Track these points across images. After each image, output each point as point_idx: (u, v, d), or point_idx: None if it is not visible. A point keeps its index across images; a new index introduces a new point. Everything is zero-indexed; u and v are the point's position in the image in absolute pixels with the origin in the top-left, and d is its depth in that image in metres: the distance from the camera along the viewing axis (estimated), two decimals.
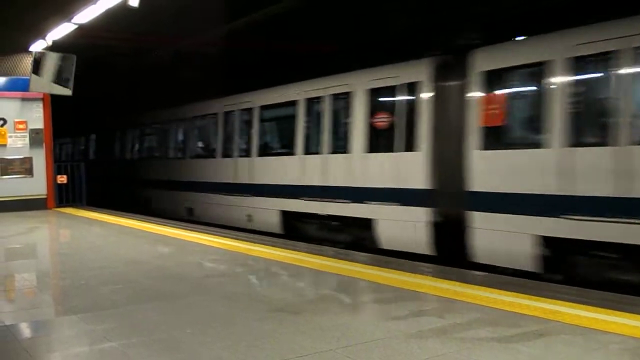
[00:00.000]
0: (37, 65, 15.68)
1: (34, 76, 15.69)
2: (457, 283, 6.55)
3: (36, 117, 16.61)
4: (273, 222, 13.81)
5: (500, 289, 6.21)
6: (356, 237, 11.85)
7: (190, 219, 16.51)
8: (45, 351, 4.90)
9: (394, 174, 10.84)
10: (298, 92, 13.32)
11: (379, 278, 6.96)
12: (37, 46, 16.23)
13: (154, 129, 20.48)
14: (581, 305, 5.47)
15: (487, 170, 9.30)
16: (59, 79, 15.94)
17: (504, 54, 9.35)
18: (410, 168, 10.51)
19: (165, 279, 7.36)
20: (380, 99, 11.38)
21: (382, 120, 11.19)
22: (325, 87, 12.56)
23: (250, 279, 7.61)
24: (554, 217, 8.32)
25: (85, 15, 13.13)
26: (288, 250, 9.05)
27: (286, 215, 13.56)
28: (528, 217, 8.68)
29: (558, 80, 8.43)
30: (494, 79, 9.33)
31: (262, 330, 5.03)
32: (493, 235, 9.16)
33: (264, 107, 14.56)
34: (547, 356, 4.32)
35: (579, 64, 8.22)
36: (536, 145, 8.66)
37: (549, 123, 8.46)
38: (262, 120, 14.64)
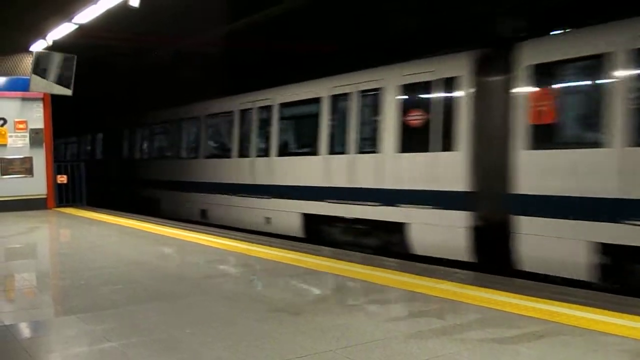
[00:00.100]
0: (38, 65, 15.70)
1: (34, 76, 15.72)
2: (456, 284, 6.55)
3: (36, 117, 16.62)
4: (293, 225, 13.16)
5: (500, 290, 6.21)
6: (385, 242, 11.19)
7: (203, 221, 15.92)
8: (44, 351, 4.90)
9: (429, 175, 10.16)
10: (323, 89, 12.60)
11: (379, 279, 6.96)
12: (38, 46, 16.24)
13: (163, 128, 19.73)
14: (581, 307, 5.47)
15: (536, 171, 8.61)
16: (60, 79, 15.97)
17: (557, 46, 8.66)
18: (448, 169, 9.86)
19: (165, 279, 7.36)
20: (414, 95, 10.63)
21: (416, 118, 10.47)
22: (352, 83, 11.86)
23: (250, 280, 7.61)
24: (615, 222, 7.65)
25: (86, 15, 13.13)
26: (287, 251, 9.05)
27: (308, 218, 12.90)
28: (584, 222, 7.99)
29: (620, 74, 7.74)
30: (544, 73, 8.65)
31: (262, 330, 5.03)
32: (542, 242, 8.46)
33: (284, 105, 13.84)
34: (547, 357, 4.32)
35: None
36: (594, 144, 8.00)
37: (609, 120, 7.79)
38: (283, 118, 13.92)
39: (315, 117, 12.68)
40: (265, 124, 14.32)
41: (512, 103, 8.98)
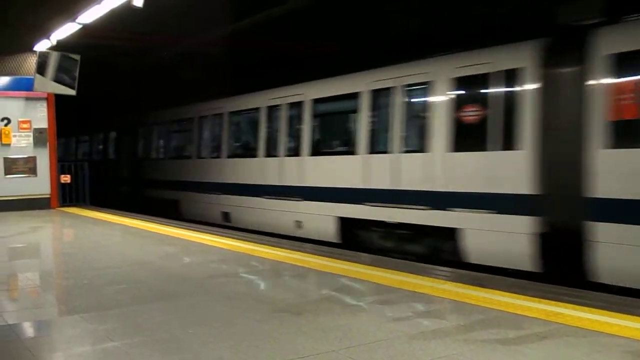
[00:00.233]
0: (42, 64, 15.73)
1: (38, 76, 15.75)
2: (459, 284, 6.54)
3: (40, 116, 16.65)
4: (328, 229, 12.24)
5: (503, 290, 6.20)
6: (433, 249, 10.40)
7: (226, 224, 15.20)
8: (48, 350, 4.91)
9: (487, 176, 9.30)
10: (361, 83, 11.68)
11: (381, 279, 6.95)
12: (42, 46, 16.26)
13: (182, 127, 18.63)
14: (584, 308, 5.46)
15: (616, 172, 7.79)
16: (63, 79, 16.00)
17: None
18: (510, 170, 9.03)
19: (169, 279, 7.37)
20: (469, 89, 9.77)
21: (471, 114, 9.60)
22: (396, 77, 10.92)
23: (253, 280, 7.61)
24: None
25: (90, 15, 13.14)
26: (291, 251, 9.05)
27: (344, 222, 12.01)
28: None
29: None
30: (627, 63, 7.78)
31: (263, 330, 5.03)
32: (626, 252, 7.61)
33: (318, 101, 12.88)
34: (550, 358, 4.31)
35: None
36: None
37: None
38: (316, 115, 12.93)
39: (353, 114, 11.91)
40: (296, 121, 13.41)
41: (586, 97, 8.18)
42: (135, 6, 11.32)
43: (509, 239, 9.01)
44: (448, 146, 9.88)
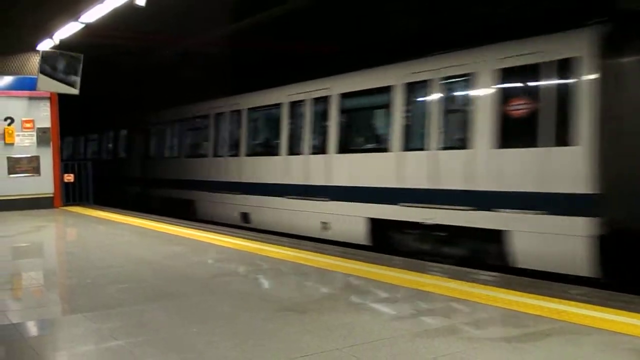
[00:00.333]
0: (45, 64, 15.76)
1: (41, 75, 15.78)
2: (463, 282, 6.53)
3: (43, 116, 16.67)
4: (357, 231, 11.57)
5: (508, 288, 6.19)
6: (475, 252, 9.74)
7: (244, 225, 14.55)
8: (51, 349, 4.92)
9: (538, 174, 8.62)
10: (395, 76, 10.99)
11: (385, 277, 6.94)
12: (45, 45, 16.27)
13: (196, 124, 17.92)
14: (589, 305, 5.44)
15: None
16: (66, 78, 16.02)
17: None
18: (565, 167, 8.39)
19: (173, 278, 7.37)
20: (517, 81, 9.18)
21: (519, 107, 8.96)
22: (434, 69, 10.28)
23: (258, 279, 7.61)
24: None
25: (92, 15, 13.14)
26: (296, 250, 9.04)
27: (375, 224, 11.33)
28: None
29: None
30: None
31: (268, 329, 5.03)
32: None
33: (345, 95, 12.20)
34: (555, 356, 4.29)
35: None
36: None
37: None
38: (343, 110, 12.23)
39: (384, 109, 11.22)
40: (321, 117, 12.74)
41: None
42: (138, 5, 11.30)
43: (563, 242, 8.37)
44: (493, 142, 9.23)
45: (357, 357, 4.28)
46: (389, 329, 4.96)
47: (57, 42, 15.68)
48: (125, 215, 15.12)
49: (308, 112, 13.10)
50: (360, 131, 12.64)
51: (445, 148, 9.96)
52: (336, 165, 12.21)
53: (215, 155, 16.49)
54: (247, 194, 14.88)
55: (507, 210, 9.01)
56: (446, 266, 7.76)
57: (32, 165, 16.54)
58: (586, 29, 8.50)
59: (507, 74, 9.19)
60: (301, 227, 12.93)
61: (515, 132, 9.08)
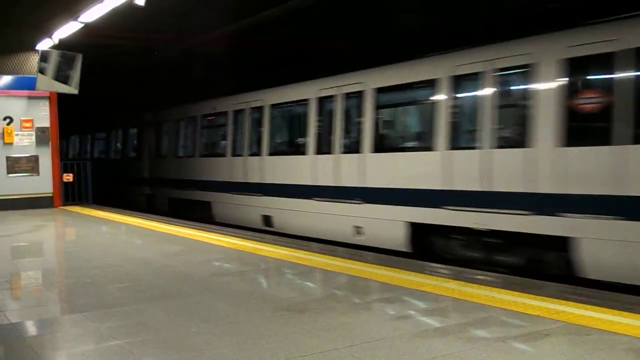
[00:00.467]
0: (44, 63, 15.76)
1: (40, 75, 15.79)
2: (462, 283, 6.53)
3: (42, 115, 16.68)
4: (395, 236, 10.71)
5: (506, 288, 6.20)
6: (534, 261, 8.89)
7: (266, 229, 13.75)
8: (51, 349, 4.92)
9: (613, 175, 7.72)
10: (440, 69, 10.15)
11: (384, 277, 6.95)
12: (44, 45, 16.29)
13: (212, 122, 17.02)
14: (587, 306, 5.45)
15: None
16: (66, 78, 16.03)
17: None
18: None
19: (172, 278, 7.37)
20: (589, 72, 8.34)
21: (590, 101, 8.08)
22: (486, 60, 9.37)
23: (257, 278, 7.62)
24: None
25: (92, 14, 13.15)
26: (296, 250, 9.05)
27: (416, 229, 10.46)
28: None
29: None
30: None
31: (267, 329, 5.03)
32: None
33: (382, 90, 11.27)
34: (553, 356, 4.30)
35: None
36: None
37: None
38: (379, 106, 11.35)
39: (428, 104, 10.43)
40: (354, 113, 11.89)
41: None
42: (137, 4, 11.31)
43: None
44: (557, 140, 8.34)
45: (356, 357, 4.28)
46: (388, 329, 4.97)
47: (56, 41, 15.71)
48: (124, 214, 15.12)
49: (339, 109, 12.24)
50: (400, 128, 11.82)
51: (500, 147, 9.11)
52: (371, 165, 11.34)
53: (234, 154, 15.57)
54: (269, 195, 14.05)
55: (575, 215, 8.12)
56: (444, 266, 7.76)
57: (31, 165, 16.56)
58: None
59: (575, 64, 8.27)
60: (331, 232, 12.17)
61: (584, 129, 8.19)
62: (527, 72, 8.83)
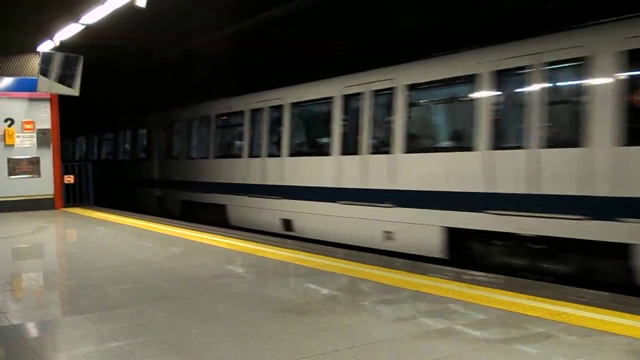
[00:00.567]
0: (45, 65, 15.77)
1: (41, 76, 15.80)
2: (463, 284, 6.53)
3: (44, 117, 16.70)
4: (430, 242, 10.14)
5: (506, 290, 6.20)
6: (587, 269, 8.33)
7: (286, 233, 13.31)
8: (52, 351, 4.92)
9: None
10: (478, 64, 9.58)
11: (385, 279, 6.95)
12: (45, 46, 16.29)
13: (227, 122, 16.44)
14: (588, 307, 5.45)
15: None
16: (67, 79, 16.04)
17: None
18: None
19: (173, 279, 7.37)
20: None
21: None
22: (533, 53, 8.76)
23: (257, 280, 7.62)
24: None
25: (93, 16, 13.15)
26: (295, 251, 9.05)
27: (454, 234, 9.88)
28: None
29: None
30: None
31: (268, 330, 5.03)
32: None
33: (414, 87, 10.72)
34: (554, 357, 4.30)
35: None
36: None
37: None
38: (413, 103, 10.75)
39: (465, 102, 9.95)
40: (384, 112, 11.29)
41: None
42: (137, 6, 11.31)
43: None
44: (616, 139, 7.77)
45: (356, 359, 4.28)
46: (389, 330, 4.97)
47: (57, 43, 15.72)
48: (125, 216, 15.13)
49: (367, 107, 11.60)
50: (433, 128, 11.21)
51: (549, 146, 8.53)
52: (403, 166, 10.73)
53: (252, 155, 14.98)
54: (290, 198, 13.45)
55: (637, 220, 7.54)
56: (445, 268, 7.75)
57: (32, 167, 16.56)
58: None
59: (634, 57, 7.67)
60: (358, 237, 11.59)
61: None
62: (579, 66, 8.32)
